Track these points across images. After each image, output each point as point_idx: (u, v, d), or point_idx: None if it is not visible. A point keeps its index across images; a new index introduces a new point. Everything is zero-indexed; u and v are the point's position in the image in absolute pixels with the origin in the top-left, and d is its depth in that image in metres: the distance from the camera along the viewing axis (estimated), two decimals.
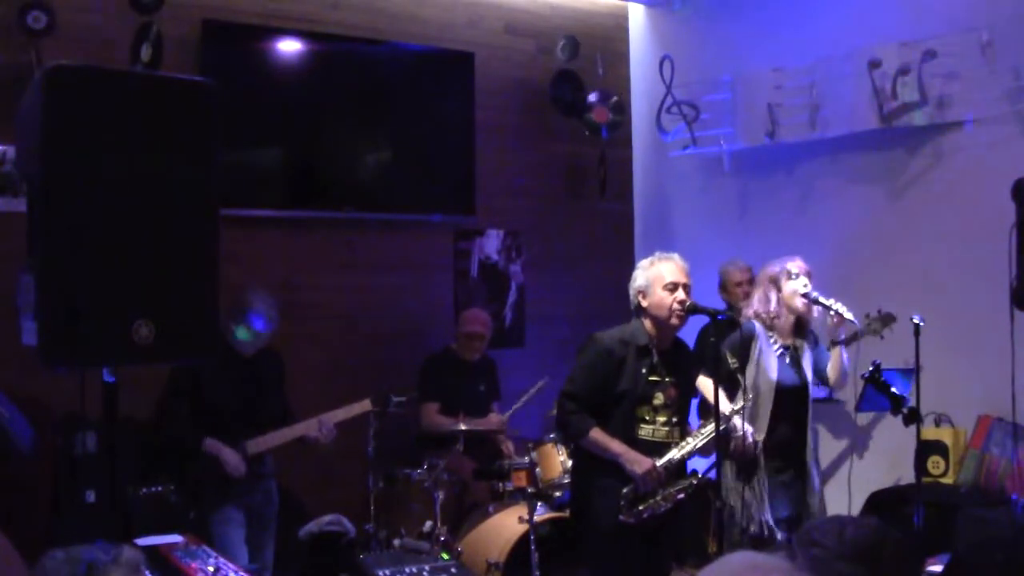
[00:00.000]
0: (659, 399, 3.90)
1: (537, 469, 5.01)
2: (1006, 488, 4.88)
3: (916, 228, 5.44)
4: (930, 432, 5.09)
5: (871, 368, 4.21)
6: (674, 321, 3.88)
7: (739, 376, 4.14)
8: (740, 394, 4.17)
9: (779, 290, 4.30)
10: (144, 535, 3.23)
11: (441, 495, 4.78)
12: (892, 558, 1.97)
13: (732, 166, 6.26)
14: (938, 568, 3.71)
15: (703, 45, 6.44)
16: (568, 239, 6.62)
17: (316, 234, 5.68)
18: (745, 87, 6.05)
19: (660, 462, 3.82)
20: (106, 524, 3.54)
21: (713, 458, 4.10)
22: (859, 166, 5.70)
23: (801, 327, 4.36)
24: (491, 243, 6.34)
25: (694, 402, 4.54)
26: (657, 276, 3.90)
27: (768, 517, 4.19)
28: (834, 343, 4.33)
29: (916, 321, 4.26)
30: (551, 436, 5.11)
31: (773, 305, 4.29)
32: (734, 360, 4.12)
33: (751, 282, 5.21)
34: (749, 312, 4.38)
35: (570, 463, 4.77)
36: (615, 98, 6.53)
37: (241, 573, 3.02)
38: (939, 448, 5.17)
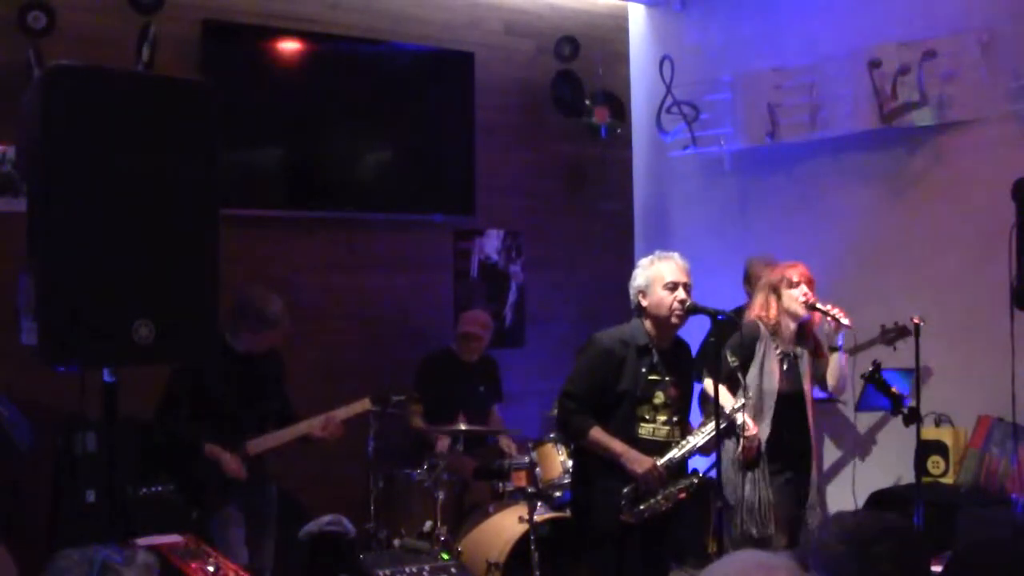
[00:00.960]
0: (659, 398, 3.90)
1: (537, 469, 5.01)
2: (1006, 488, 4.88)
3: (916, 228, 5.43)
4: (930, 432, 5.09)
5: (871, 368, 4.22)
6: (674, 320, 3.88)
7: (739, 374, 4.14)
8: (741, 392, 4.17)
9: (779, 298, 4.29)
10: (144, 535, 3.23)
11: (441, 495, 4.78)
12: (887, 547, 2.03)
13: (732, 166, 6.26)
14: (938, 568, 3.71)
15: (703, 45, 6.43)
16: (568, 239, 6.62)
17: (316, 234, 5.68)
18: (745, 87, 6.05)
19: (661, 461, 3.82)
20: (106, 524, 3.54)
21: (713, 457, 4.10)
22: (860, 166, 5.70)
23: (803, 334, 4.35)
24: (491, 243, 6.33)
25: (695, 397, 4.54)
26: (657, 275, 3.90)
27: (767, 517, 4.19)
28: (832, 349, 4.33)
29: (916, 321, 4.26)
30: (551, 436, 5.11)
31: (773, 312, 4.29)
32: (734, 359, 4.12)
33: None
34: (752, 316, 4.37)
35: (570, 463, 4.77)
36: (615, 98, 6.53)
37: (241, 573, 3.02)
38: (939, 448, 5.17)
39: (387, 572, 4.19)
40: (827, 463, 5.58)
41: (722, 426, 3.84)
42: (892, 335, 5.04)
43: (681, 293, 3.87)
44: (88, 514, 4.23)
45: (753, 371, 4.23)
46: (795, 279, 4.27)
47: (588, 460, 3.94)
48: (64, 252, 2.54)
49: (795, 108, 5.78)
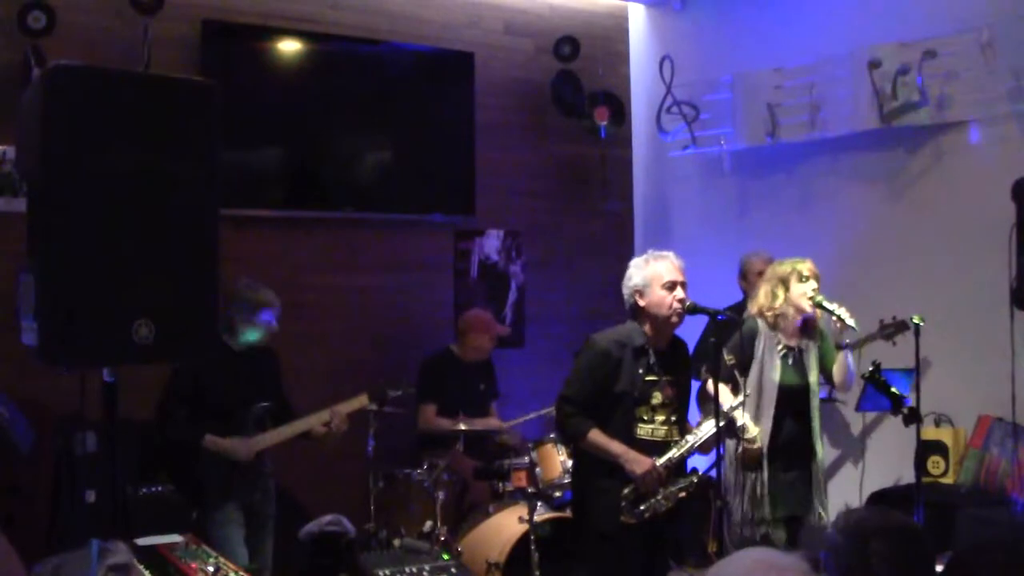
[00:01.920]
0: (657, 398, 3.89)
1: (537, 469, 5.01)
2: (1006, 488, 4.88)
3: (916, 228, 5.43)
4: (930, 432, 5.09)
5: (871, 367, 4.22)
6: (674, 320, 3.88)
7: (736, 373, 4.13)
8: (741, 390, 4.17)
9: (787, 290, 4.29)
10: (144, 535, 3.23)
11: (441, 495, 4.78)
12: (884, 544, 2.05)
13: (732, 166, 6.26)
14: (938, 568, 3.71)
15: (703, 45, 6.44)
16: (568, 239, 6.62)
17: (316, 234, 5.68)
18: (745, 87, 6.05)
19: (660, 461, 3.82)
20: (106, 524, 3.54)
21: (713, 456, 4.10)
22: (859, 166, 5.70)
23: (808, 328, 4.35)
24: (491, 243, 6.33)
25: (693, 394, 4.54)
26: (655, 275, 3.88)
27: (767, 516, 4.19)
28: (838, 347, 4.33)
29: (916, 321, 4.26)
30: (551, 436, 5.11)
31: (779, 303, 4.28)
32: (731, 357, 4.12)
33: None
34: (753, 309, 4.37)
35: (570, 463, 4.78)
36: (615, 98, 6.53)
37: (241, 573, 3.02)
38: (939, 448, 5.17)
39: (387, 572, 4.19)
40: (827, 463, 5.57)
41: (721, 424, 3.83)
42: (891, 330, 5.03)
43: (680, 292, 3.87)
44: (88, 514, 4.23)
45: (754, 368, 4.23)
46: (806, 273, 4.27)
47: (588, 461, 3.94)
48: (64, 252, 2.53)
49: (795, 108, 5.78)
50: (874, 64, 5.30)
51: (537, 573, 4.47)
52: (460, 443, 5.16)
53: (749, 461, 4.16)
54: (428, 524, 4.74)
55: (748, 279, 5.61)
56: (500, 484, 5.11)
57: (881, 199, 5.61)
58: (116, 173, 2.59)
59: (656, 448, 3.86)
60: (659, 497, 3.81)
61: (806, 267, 4.29)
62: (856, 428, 5.51)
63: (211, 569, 2.97)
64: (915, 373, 4.28)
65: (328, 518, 4.59)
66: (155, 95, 2.71)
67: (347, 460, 5.20)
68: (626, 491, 3.81)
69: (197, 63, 5.18)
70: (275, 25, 5.53)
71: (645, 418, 3.88)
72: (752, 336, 4.26)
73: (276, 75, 5.54)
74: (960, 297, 5.16)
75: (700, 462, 4.68)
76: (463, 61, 6.10)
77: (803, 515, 4.29)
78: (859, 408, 5.07)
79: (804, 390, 4.29)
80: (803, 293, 4.25)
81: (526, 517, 4.55)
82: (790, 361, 4.30)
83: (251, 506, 4.43)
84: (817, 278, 4.28)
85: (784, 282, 4.30)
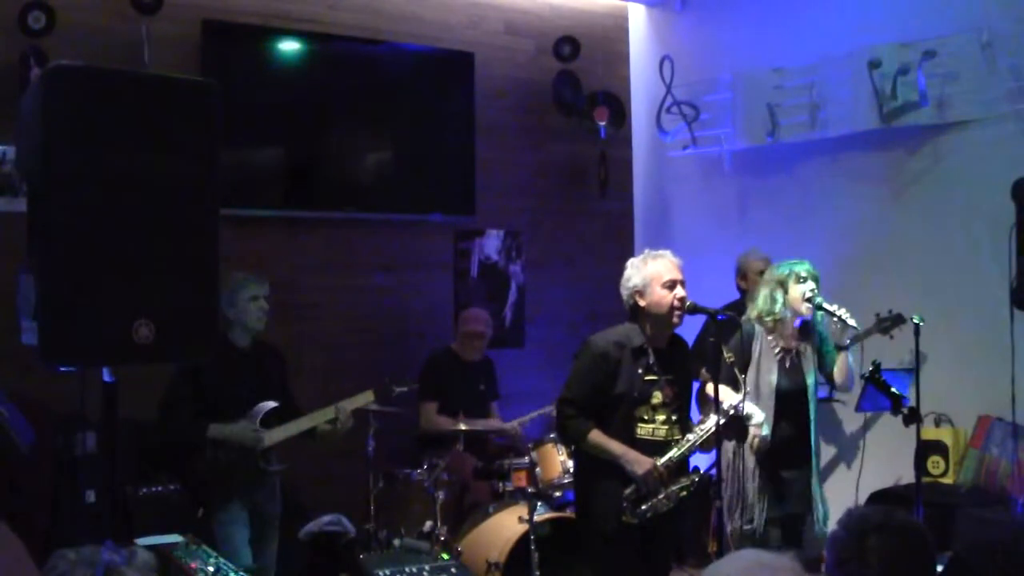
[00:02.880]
0: (657, 398, 3.88)
1: (537, 469, 5.01)
2: (1006, 488, 4.88)
3: (916, 228, 5.43)
4: (930, 432, 5.09)
5: (871, 367, 4.21)
6: (675, 319, 3.87)
7: (736, 371, 4.13)
8: (741, 387, 4.16)
9: (786, 292, 4.29)
10: (144, 535, 3.23)
11: (441, 495, 4.78)
12: (881, 542, 2.06)
13: (732, 166, 6.27)
14: (938, 568, 3.71)
15: (703, 45, 6.44)
16: (568, 239, 6.62)
17: (316, 234, 5.68)
18: (745, 87, 6.05)
19: (661, 461, 3.81)
20: (106, 524, 3.54)
21: (714, 455, 4.10)
22: (859, 166, 5.70)
23: (806, 330, 4.35)
24: (491, 243, 6.34)
25: (693, 393, 4.54)
26: (655, 275, 3.87)
27: (763, 515, 4.19)
28: (839, 348, 4.33)
29: (916, 321, 4.26)
30: (551, 436, 5.11)
31: (778, 307, 4.28)
32: (730, 355, 4.11)
33: None
34: (753, 314, 4.37)
35: (570, 463, 4.77)
36: (615, 98, 6.53)
37: (241, 573, 3.01)
38: (939, 448, 5.17)
39: (387, 572, 4.18)
40: (827, 463, 5.58)
41: (722, 422, 3.83)
42: (887, 324, 5.03)
43: (680, 291, 3.86)
44: (88, 514, 4.23)
45: (750, 371, 4.23)
46: (803, 274, 4.27)
47: (588, 462, 3.93)
48: (64, 252, 2.54)
49: (795, 108, 5.78)
50: (874, 64, 5.30)
51: (537, 573, 4.47)
52: (460, 443, 5.16)
53: (759, 448, 4.16)
54: (428, 524, 4.73)
55: (748, 278, 5.61)
56: (500, 484, 5.12)
57: (881, 199, 5.61)
58: (116, 173, 2.60)
59: (657, 448, 3.86)
60: (661, 497, 3.81)
61: (804, 268, 4.29)
62: (856, 428, 5.51)
63: (211, 569, 2.97)
64: (915, 373, 4.28)
65: (328, 518, 4.60)
66: (155, 95, 2.71)
67: (347, 460, 5.20)
68: (628, 491, 3.81)
69: (197, 63, 5.18)
70: (275, 25, 5.53)
71: (645, 418, 3.88)
72: (750, 339, 4.26)
73: (276, 75, 5.54)
74: (960, 297, 5.16)
75: (702, 461, 4.68)
76: (463, 61, 6.10)
77: (800, 515, 4.29)
78: (859, 408, 5.07)
79: (801, 393, 4.29)
80: (802, 293, 4.25)
81: (526, 517, 4.55)
82: (787, 364, 4.29)
83: (256, 504, 4.41)
84: (816, 279, 4.28)
85: (783, 284, 4.30)
